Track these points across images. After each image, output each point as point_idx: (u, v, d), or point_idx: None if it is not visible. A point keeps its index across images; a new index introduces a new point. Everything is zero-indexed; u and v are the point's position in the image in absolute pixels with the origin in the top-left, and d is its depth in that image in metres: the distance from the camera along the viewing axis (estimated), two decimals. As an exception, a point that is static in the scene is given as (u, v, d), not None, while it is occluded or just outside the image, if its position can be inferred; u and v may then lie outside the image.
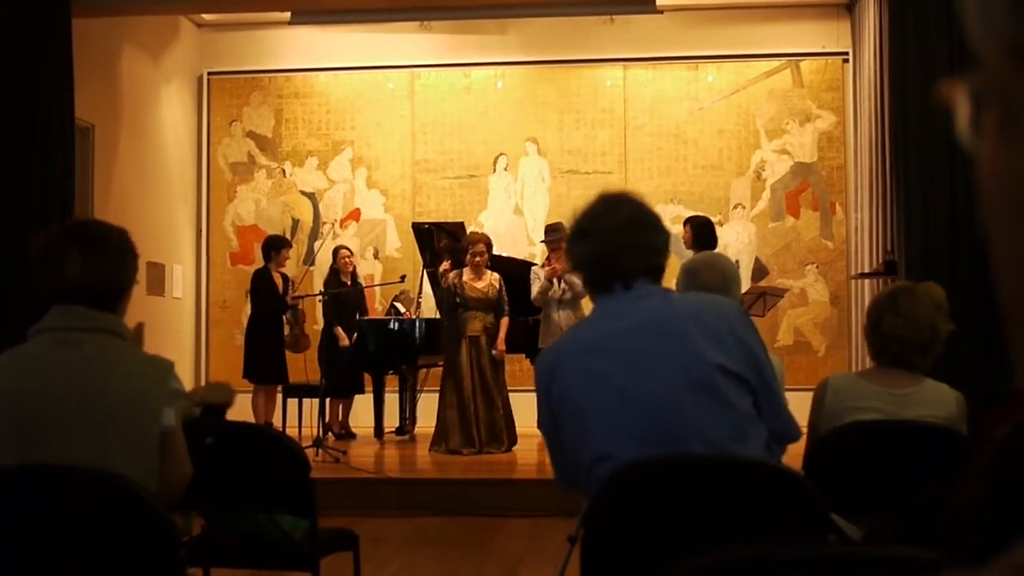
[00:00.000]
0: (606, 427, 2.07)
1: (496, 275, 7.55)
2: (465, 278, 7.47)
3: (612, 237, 2.15)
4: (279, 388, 8.31)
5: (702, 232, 6.85)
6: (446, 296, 7.48)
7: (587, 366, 2.11)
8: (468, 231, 8.42)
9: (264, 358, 8.12)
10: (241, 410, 8.22)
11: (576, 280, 7.26)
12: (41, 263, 2.25)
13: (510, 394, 8.04)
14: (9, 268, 6.35)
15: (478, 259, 7.43)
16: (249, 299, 8.45)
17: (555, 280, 7.32)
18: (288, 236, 9.94)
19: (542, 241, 7.78)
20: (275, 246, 8.37)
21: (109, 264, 2.25)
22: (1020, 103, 0.40)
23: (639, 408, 2.06)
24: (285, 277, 8.40)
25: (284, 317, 8.22)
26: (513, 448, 7.50)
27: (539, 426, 2.25)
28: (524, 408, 8.29)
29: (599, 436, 2.08)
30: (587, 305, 7.38)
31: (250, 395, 8.14)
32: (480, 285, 7.46)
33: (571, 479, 2.23)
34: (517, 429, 7.59)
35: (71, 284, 2.21)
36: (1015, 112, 0.41)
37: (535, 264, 8.55)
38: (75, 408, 2.13)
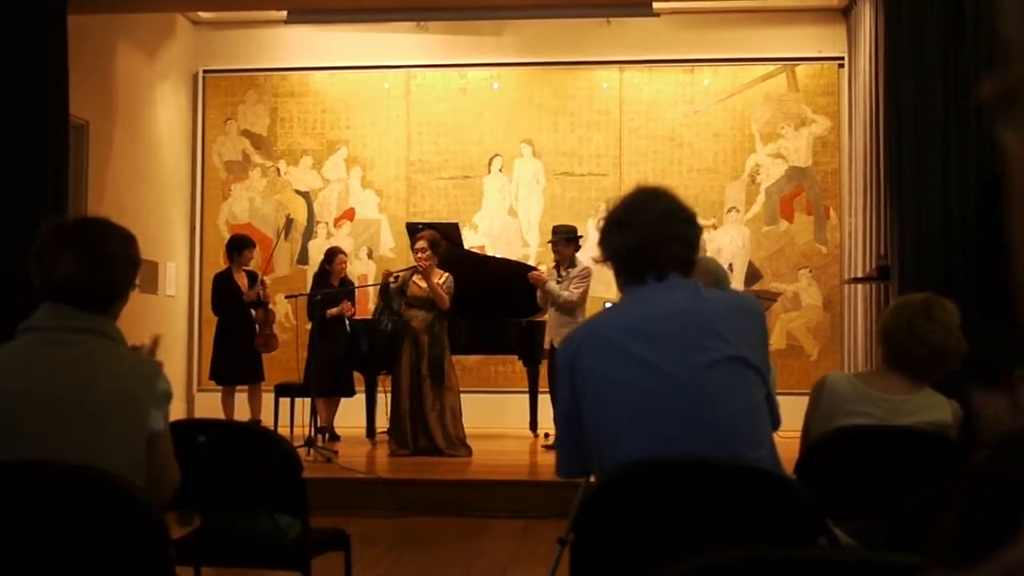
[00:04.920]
0: (630, 406, 2.09)
1: (447, 275, 7.37)
2: (414, 277, 7.38)
3: (649, 229, 2.18)
4: (260, 387, 8.32)
5: None
6: (394, 295, 7.45)
7: (617, 346, 2.13)
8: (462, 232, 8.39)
9: (227, 359, 8.15)
10: (241, 410, 8.26)
11: (553, 287, 7.27)
12: (36, 256, 2.21)
13: (504, 395, 8.01)
14: (1, 264, 6.33)
15: (419, 255, 7.27)
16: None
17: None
18: (282, 235, 9.93)
19: (549, 242, 7.71)
20: (236, 246, 8.36)
21: (101, 269, 2.21)
22: None
23: (664, 390, 2.07)
24: (252, 275, 8.35)
25: (254, 317, 8.18)
26: (463, 454, 7.26)
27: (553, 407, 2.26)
28: (516, 409, 8.33)
29: (621, 415, 2.09)
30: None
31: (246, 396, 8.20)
32: (424, 284, 7.31)
33: (575, 466, 2.25)
34: (509, 431, 7.53)
35: (60, 283, 2.18)
36: None
37: (533, 266, 8.55)
38: (60, 407, 2.10)
